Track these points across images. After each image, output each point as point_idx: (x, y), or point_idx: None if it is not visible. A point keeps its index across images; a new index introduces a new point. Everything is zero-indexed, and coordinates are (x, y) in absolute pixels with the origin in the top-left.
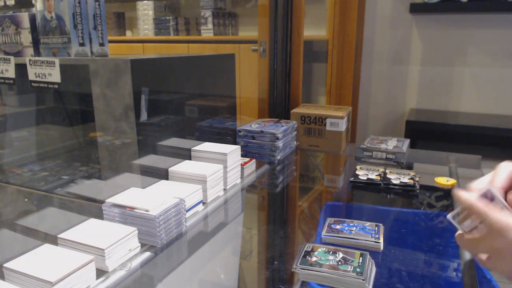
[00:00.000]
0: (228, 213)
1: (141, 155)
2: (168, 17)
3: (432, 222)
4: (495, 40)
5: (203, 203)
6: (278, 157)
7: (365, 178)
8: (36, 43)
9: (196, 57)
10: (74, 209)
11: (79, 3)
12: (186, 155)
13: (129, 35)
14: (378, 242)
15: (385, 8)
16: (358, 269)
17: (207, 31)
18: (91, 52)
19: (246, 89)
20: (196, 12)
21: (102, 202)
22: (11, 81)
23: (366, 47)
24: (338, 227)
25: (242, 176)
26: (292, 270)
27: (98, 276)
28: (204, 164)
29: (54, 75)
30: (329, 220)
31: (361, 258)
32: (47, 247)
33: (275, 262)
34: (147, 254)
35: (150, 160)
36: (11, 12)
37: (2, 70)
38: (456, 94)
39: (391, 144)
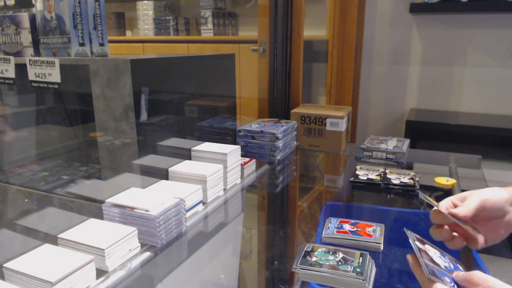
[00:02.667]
0: (228, 213)
1: (141, 155)
2: (168, 17)
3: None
4: (495, 40)
5: (203, 203)
6: (278, 157)
7: (365, 178)
8: (36, 43)
9: (196, 57)
10: (74, 209)
11: (79, 3)
12: (186, 155)
13: (129, 35)
14: (378, 242)
15: (385, 8)
16: (358, 269)
17: (207, 31)
18: (91, 52)
19: (246, 89)
20: (196, 12)
21: (102, 202)
22: (11, 81)
23: (366, 47)
24: None
25: (242, 176)
26: (292, 270)
27: (98, 276)
28: (204, 164)
29: (54, 75)
30: (329, 220)
31: (361, 258)
32: (47, 247)
33: (275, 262)
34: (147, 254)
35: (150, 160)
36: (11, 12)
37: (2, 70)
38: (456, 94)
39: (391, 144)
